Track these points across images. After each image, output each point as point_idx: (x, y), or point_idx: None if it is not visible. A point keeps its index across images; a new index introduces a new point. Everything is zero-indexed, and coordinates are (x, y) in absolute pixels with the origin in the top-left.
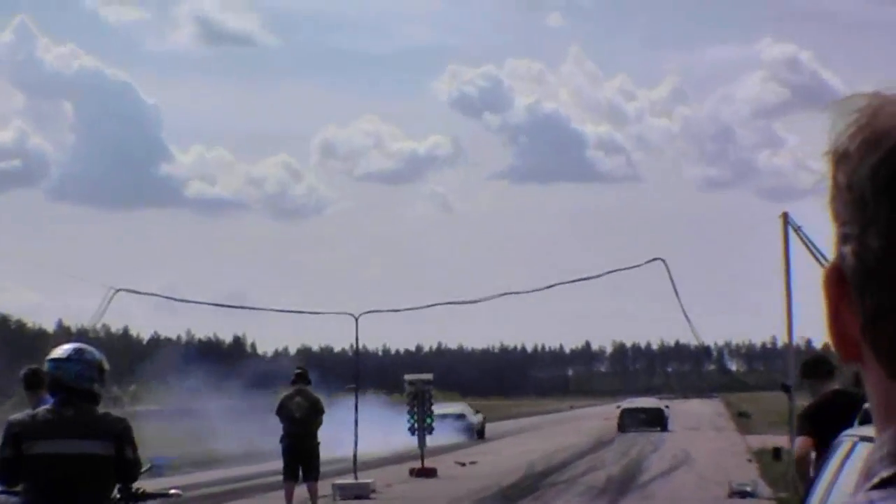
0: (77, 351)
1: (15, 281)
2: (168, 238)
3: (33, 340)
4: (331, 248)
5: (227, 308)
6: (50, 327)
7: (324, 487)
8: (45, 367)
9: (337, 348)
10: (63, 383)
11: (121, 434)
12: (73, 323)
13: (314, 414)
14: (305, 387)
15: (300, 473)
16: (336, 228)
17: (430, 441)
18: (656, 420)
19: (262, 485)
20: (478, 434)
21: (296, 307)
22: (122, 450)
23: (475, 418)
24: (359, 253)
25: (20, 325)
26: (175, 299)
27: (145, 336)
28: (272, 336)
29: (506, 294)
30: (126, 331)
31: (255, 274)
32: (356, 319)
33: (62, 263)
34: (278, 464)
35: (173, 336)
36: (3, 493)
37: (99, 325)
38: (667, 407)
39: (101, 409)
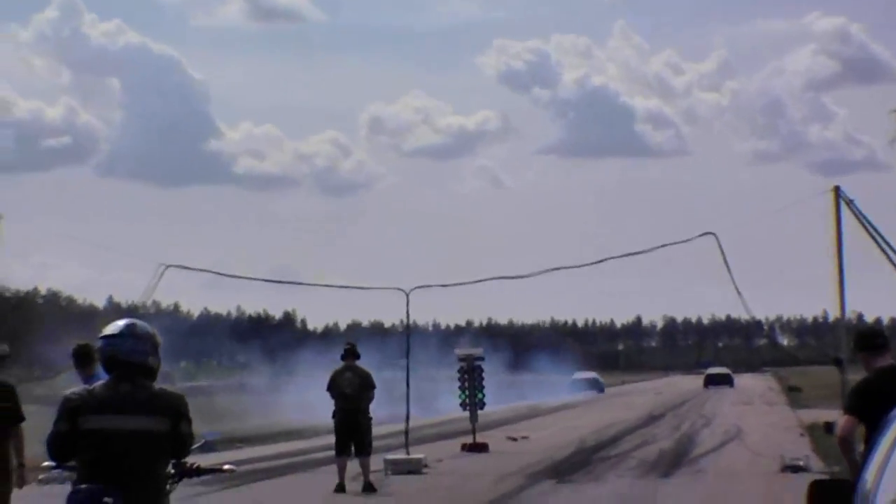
0: (129, 326)
1: (65, 258)
2: (217, 214)
3: (83, 317)
4: (380, 224)
5: (276, 283)
6: (100, 304)
7: (375, 462)
8: (98, 344)
9: (387, 323)
10: (117, 359)
11: (177, 410)
12: (123, 299)
13: (365, 389)
14: (355, 362)
15: (352, 448)
16: (385, 204)
17: (570, 397)
18: (727, 380)
19: (313, 460)
20: (599, 391)
21: (346, 283)
22: (178, 425)
23: (602, 381)
24: (408, 228)
25: (70, 302)
26: (225, 275)
27: (195, 312)
28: (322, 311)
29: (556, 269)
30: (176, 307)
31: (305, 249)
32: (407, 294)
33: (112, 240)
34: (330, 439)
35: (223, 312)
36: (56, 467)
37: (149, 302)
38: (733, 372)
39: (157, 385)
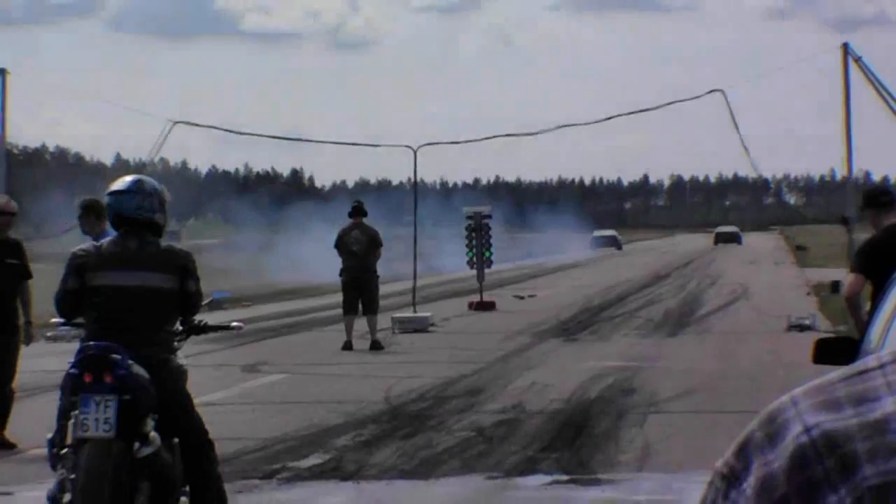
0: (136, 183)
1: (73, 114)
2: (225, 71)
3: (92, 174)
4: (389, 81)
5: (284, 141)
6: (108, 161)
7: (383, 320)
8: (105, 200)
9: (395, 181)
10: (124, 216)
11: (185, 267)
12: (130, 156)
13: (372, 247)
14: (363, 220)
15: (359, 307)
16: (394, 60)
17: (591, 253)
18: (735, 238)
19: (321, 318)
20: (617, 248)
21: (354, 140)
22: (186, 283)
23: (620, 239)
24: (417, 85)
25: (79, 159)
26: (233, 132)
27: (203, 169)
28: (330, 169)
29: (564, 126)
30: (184, 164)
31: (314, 107)
32: (415, 152)
33: (120, 96)
34: (337, 297)
35: (231, 169)
36: (64, 325)
37: (157, 158)
38: (740, 231)
39: (164, 243)
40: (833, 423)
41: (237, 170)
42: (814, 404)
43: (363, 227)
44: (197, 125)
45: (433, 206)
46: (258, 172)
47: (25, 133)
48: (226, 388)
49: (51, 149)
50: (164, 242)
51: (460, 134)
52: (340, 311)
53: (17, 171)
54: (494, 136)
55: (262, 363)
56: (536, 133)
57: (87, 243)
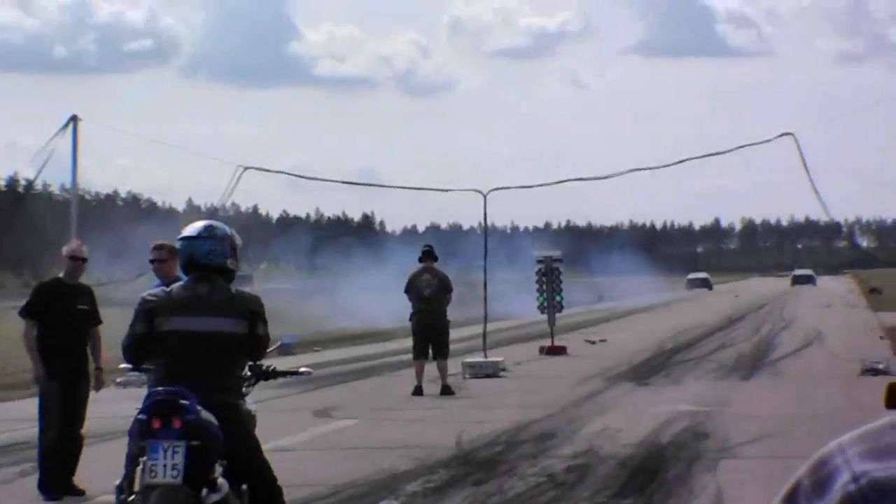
0: (208, 228)
1: (145, 160)
2: (297, 116)
3: (163, 219)
4: (460, 125)
5: (355, 185)
6: (180, 206)
7: (453, 365)
8: (177, 245)
9: (465, 226)
10: (195, 261)
11: (254, 311)
12: (202, 202)
13: (443, 291)
14: (433, 264)
15: (430, 351)
16: (466, 105)
17: (691, 293)
18: (810, 280)
19: (392, 363)
20: (709, 288)
21: (424, 184)
22: (255, 327)
23: (711, 280)
24: (488, 129)
25: (151, 205)
26: (302, 177)
27: (275, 214)
28: (401, 213)
29: (635, 170)
30: (255, 209)
31: (384, 151)
32: (484, 196)
33: (192, 142)
34: (406, 342)
35: (302, 214)
36: (133, 370)
37: (228, 204)
38: (815, 273)
39: (234, 288)
40: (881, 471)
41: (308, 215)
42: (861, 451)
43: (433, 271)
44: (267, 170)
45: (503, 249)
46: (329, 217)
47: (97, 179)
48: (296, 434)
49: (122, 195)
50: (234, 287)
51: (531, 177)
52: (410, 355)
53: (89, 217)
54: (565, 181)
55: (333, 408)
56: (607, 177)
57: (157, 288)
